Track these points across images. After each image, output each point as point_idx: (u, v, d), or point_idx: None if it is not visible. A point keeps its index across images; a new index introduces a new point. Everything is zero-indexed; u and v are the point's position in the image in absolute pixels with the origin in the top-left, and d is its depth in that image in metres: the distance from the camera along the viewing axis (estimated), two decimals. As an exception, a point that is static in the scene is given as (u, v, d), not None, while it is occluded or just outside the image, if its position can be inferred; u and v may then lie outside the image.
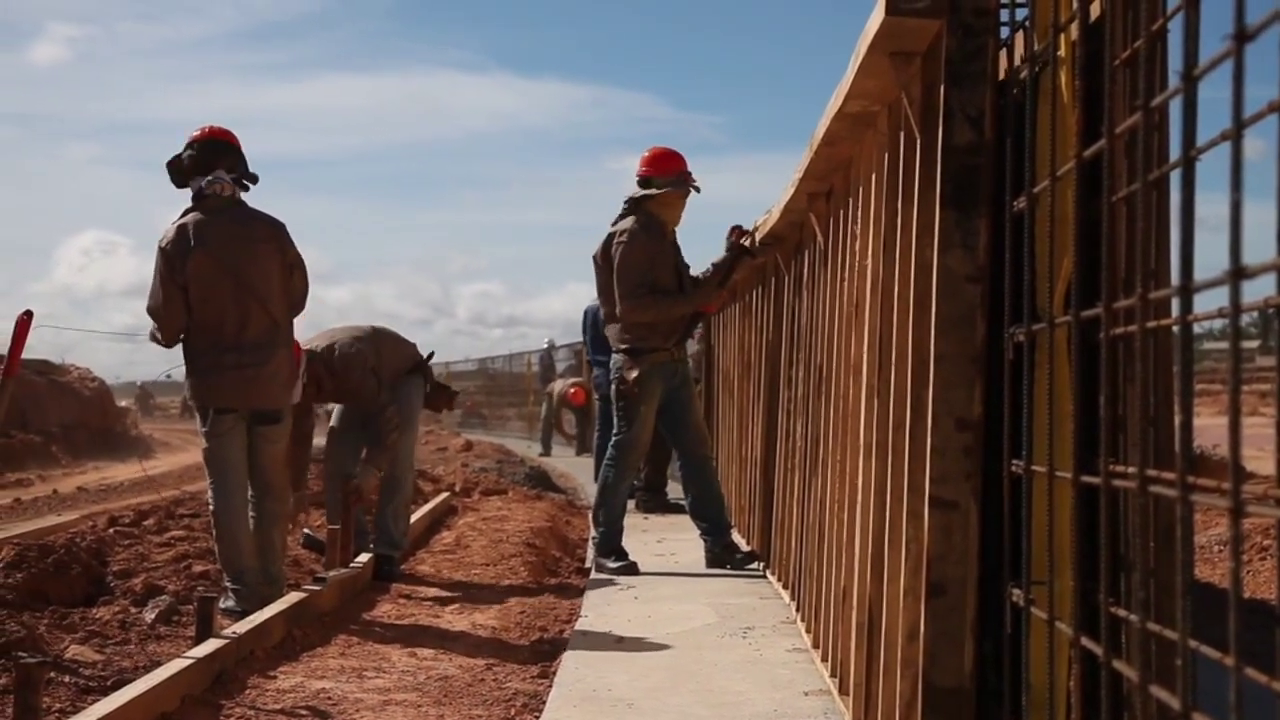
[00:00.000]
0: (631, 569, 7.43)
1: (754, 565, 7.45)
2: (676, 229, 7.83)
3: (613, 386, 7.79)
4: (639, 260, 7.53)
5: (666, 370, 7.66)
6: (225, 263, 6.03)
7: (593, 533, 8.02)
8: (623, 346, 7.65)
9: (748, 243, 7.76)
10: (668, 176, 7.69)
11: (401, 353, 7.81)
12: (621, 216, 7.74)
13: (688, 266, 7.82)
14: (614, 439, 7.79)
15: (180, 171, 6.18)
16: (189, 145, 6.18)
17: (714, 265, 7.87)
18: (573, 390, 21.64)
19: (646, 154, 7.77)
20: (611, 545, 7.62)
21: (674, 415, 7.76)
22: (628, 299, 7.54)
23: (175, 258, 6.01)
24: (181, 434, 28.97)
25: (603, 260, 7.73)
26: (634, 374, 7.56)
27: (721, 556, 7.57)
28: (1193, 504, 1.41)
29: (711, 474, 7.96)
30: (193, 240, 6.02)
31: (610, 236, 7.69)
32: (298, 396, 6.80)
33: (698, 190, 7.73)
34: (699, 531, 7.71)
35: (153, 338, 6.15)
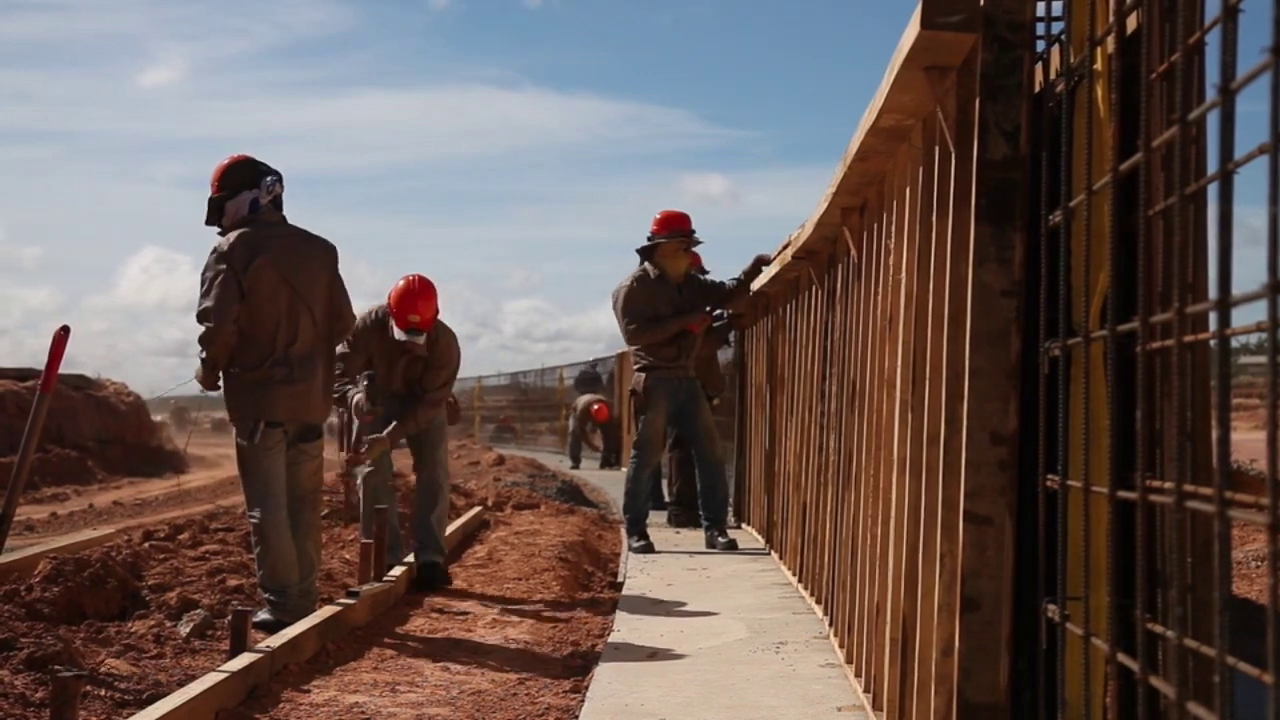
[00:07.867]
0: (648, 549, 9.06)
1: (734, 550, 9.05)
2: (702, 270, 9.72)
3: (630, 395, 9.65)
4: (635, 300, 9.21)
5: (670, 384, 9.26)
6: (285, 273, 6.06)
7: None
8: (635, 365, 9.49)
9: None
10: (667, 233, 9.26)
11: None
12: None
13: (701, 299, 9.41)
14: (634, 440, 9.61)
15: (219, 208, 6.19)
16: (222, 176, 6.20)
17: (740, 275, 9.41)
18: (596, 407, 21.95)
19: (658, 215, 9.38)
20: (635, 528, 9.29)
21: (682, 423, 9.54)
22: (625, 330, 9.29)
23: (238, 262, 5.98)
24: (214, 448, 29.09)
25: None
26: (641, 386, 9.32)
27: (714, 541, 9.19)
28: (1230, 519, 1.40)
29: (719, 473, 9.48)
30: (256, 250, 6.02)
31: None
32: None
33: (697, 243, 9.34)
34: (702, 516, 9.44)
35: (202, 345, 6.01)
